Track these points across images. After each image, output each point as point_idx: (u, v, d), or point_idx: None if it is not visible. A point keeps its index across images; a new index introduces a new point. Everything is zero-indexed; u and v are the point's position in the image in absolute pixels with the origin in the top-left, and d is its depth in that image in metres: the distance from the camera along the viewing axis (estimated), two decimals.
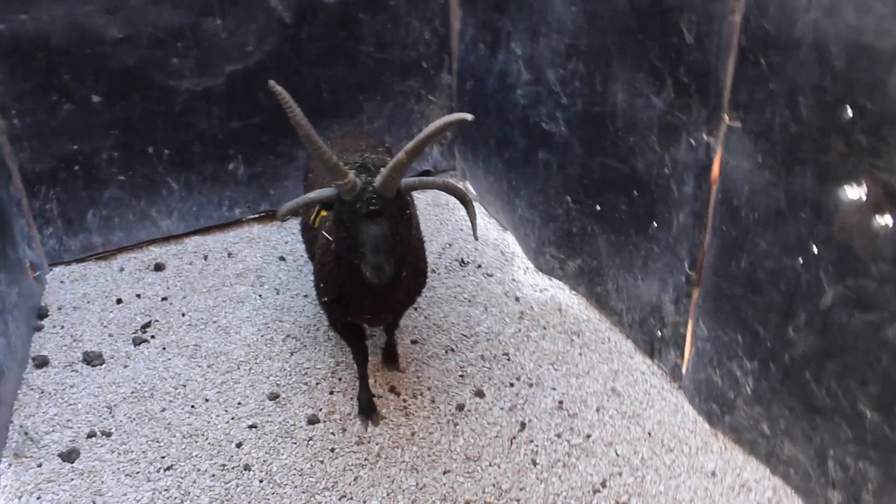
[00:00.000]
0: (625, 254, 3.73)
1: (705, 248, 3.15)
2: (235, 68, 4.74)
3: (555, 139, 4.01)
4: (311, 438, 3.46)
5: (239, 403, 3.68)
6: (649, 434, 3.39)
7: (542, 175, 4.20)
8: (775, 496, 3.03)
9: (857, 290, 2.41)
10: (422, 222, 5.14)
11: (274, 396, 3.70)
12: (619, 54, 3.40)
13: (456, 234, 5.08)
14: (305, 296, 4.47)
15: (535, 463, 3.28)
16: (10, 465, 3.30)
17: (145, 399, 3.72)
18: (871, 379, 2.44)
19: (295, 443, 3.44)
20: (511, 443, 3.38)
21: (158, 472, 3.29)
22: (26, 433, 3.48)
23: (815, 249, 2.54)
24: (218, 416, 3.60)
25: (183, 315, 4.33)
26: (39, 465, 3.30)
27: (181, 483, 3.24)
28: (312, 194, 2.78)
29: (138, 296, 4.52)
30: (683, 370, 3.50)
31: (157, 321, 4.29)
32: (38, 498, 3.17)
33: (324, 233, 3.09)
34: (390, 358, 3.90)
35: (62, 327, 4.24)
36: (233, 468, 3.30)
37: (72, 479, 3.23)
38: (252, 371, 3.89)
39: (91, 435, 3.49)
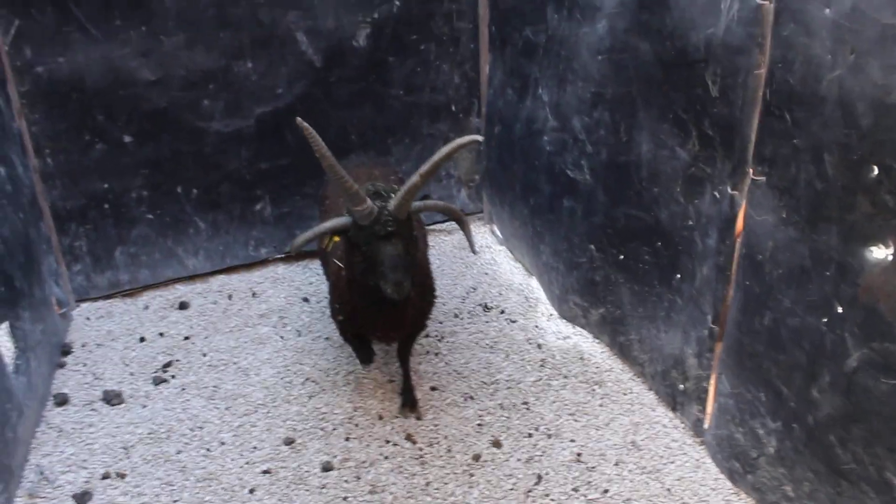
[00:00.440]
0: (648, 304, 3.67)
1: (728, 303, 3.08)
2: (265, 110, 4.82)
3: (579, 187, 3.99)
4: (324, 486, 3.42)
5: (254, 448, 3.66)
6: (669, 491, 3.29)
7: (567, 222, 4.17)
8: None
9: (884, 353, 2.33)
10: (446, 265, 5.18)
11: (290, 441, 3.68)
12: (644, 104, 3.38)
13: (480, 277, 5.06)
14: (327, 338, 4.47)
15: None
16: None
17: (162, 441, 3.71)
18: None
19: (308, 490, 3.40)
20: (527, 496, 3.31)
21: None
22: (42, 473, 3.49)
23: (839, 309, 2.47)
24: (233, 460, 3.59)
25: (204, 355, 4.35)
26: None
27: None
28: (328, 224, 2.97)
29: (161, 334, 4.55)
30: (706, 425, 3.41)
31: (178, 360, 4.31)
32: None
33: (335, 260, 3.31)
34: (409, 402, 3.87)
35: (84, 365, 4.28)
36: None
37: None
38: (269, 414, 3.87)
39: (106, 476, 3.49)
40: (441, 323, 4.58)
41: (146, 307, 4.85)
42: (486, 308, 4.71)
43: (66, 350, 4.40)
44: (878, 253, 2.31)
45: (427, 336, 4.45)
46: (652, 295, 3.62)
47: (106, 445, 3.69)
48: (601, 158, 3.76)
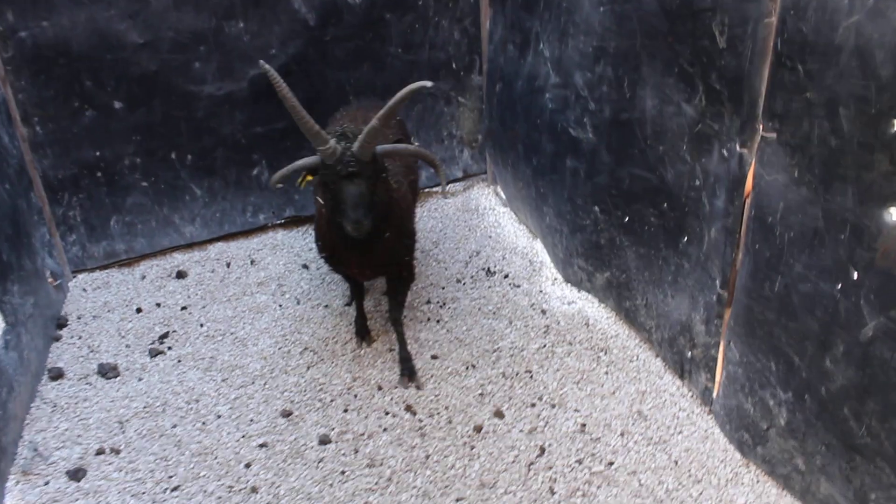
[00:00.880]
0: (654, 268, 3.52)
1: (738, 267, 2.92)
2: (258, 72, 4.64)
3: (582, 146, 3.81)
4: (321, 460, 3.33)
5: (251, 420, 3.58)
6: (676, 463, 3.18)
7: (570, 183, 4.00)
8: None
9: None
10: (449, 229, 5.03)
11: (287, 413, 3.59)
12: (648, 58, 3.19)
13: (484, 241, 4.91)
14: (326, 306, 4.36)
15: (552, 491, 3.09)
16: (17, 482, 3.24)
17: (157, 414, 3.64)
18: None
19: (305, 464, 3.31)
20: (529, 469, 3.21)
21: (164, 492, 3.19)
22: (36, 449, 3.43)
23: (854, 276, 2.31)
24: (229, 433, 3.51)
25: (201, 326, 4.26)
26: (46, 484, 3.23)
27: None
28: (300, 161, 3.10)
29: (158, 305, 4.46)
30: (714, 394, 3.27)
31: (174, 331, 4.22)
32: None
33: (316, 197, 3.43)
34: (408, 372, 3.78)
35: (80, 337, 4.20)
36: (240, 490, 3.19)
37: (77, 500, 3.15)
38: (267, 386, 3.78)
39: (100, 452, 3.42)
40: (443, 288, 4.46)
41: (143, 277, 4.75)
42: (490, 272, 4.58)
43: (61, 323, 4.31)
44: None
45: (428, 302, 4.33)
46: (658, 258, 3.46)
47: (100, 420, 3.62)
48: (604, 116, 3.58)
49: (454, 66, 5.16)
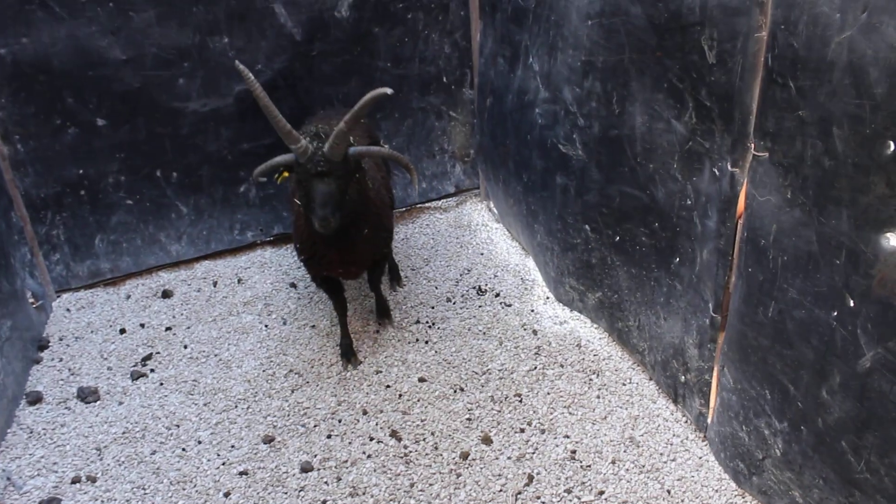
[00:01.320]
0: (646, 289, 3.41)
1: (731, 291, 2.81)
2: (244, 88, 4.55)
3: (572, 163, 3.71)
4: (302, 488, 3.22)
5: (232, 446, 3.47)
6: (669, 492, 3.06)
7: (560, 200, 3.89)
8: None
9: None
10: (441, 245, 4.93)
11: (269, 440, 3.49)
12: (637, 73, 3.09)
13: (476, 258, 4.81)
14: (313, 326, 4.26)
15: None
16: None
17: (136, 440, 3.54)
18: None
19: (286, 493, 3.20)
20: (516, 498, 3.09)
21: None
22: (9, 478, 3.32)
23: (851, 303, 2.20)
24: (209, 460, 3.40)
25: (185, 347, 4.16)
26: None
27: None
28: (278, 158, 3.21)
29: (142, 325, 4.36)
30: (709, 420, 3.16)
31: (158, 353, 4.12)
32: None
33: (295, 199, 3.51)
34: (383, 313, 4.22)
35: (61, 360, 4.10)
36: None
37: None
38: (250, 410, 3.68)
39: (76, 480, 3.32)
40: (433, 308, 4.35)
41: (128, 296, 4.65)
42: (481, 291, 4.47)
43: (42, 345, 4.22)
44: (895, 240, 2.03)
45: (417, 322, 4.23)
46: (650, 279, 3.35)
47: (78, 447, 3.51)
48: (593, 132, 3.48)
49: (445, 80, 5.06)
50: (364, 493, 3.17)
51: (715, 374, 3.03)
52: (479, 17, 4.74)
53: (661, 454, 3.24)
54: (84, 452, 3.48)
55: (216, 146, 4.68)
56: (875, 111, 2.01)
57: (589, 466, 3.22)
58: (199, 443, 3.51)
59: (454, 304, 4.38)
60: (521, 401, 3.61)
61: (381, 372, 3.88)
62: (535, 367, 3.82)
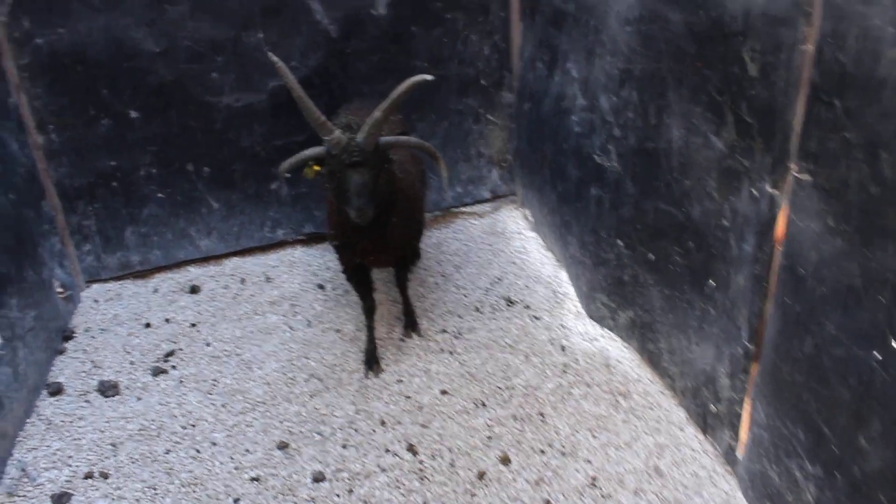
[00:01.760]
0: (678, 311, 3.23)
1: (766, 320, 2.63)
2: (278, 84, 4.48)
3: (607, 174, 3.55)
4: (313, 499, 3.14)
5: (246, 450, 3.41)
6: None
7: (594, 213, 3.73)
8: None
9: None
10: (473, 252, 4.81)
11: (283, 446, 3.42)
12: (675, 83, 2.91)
13: (507, 267, 4.67)
14: (338, 330, 4.18)
15: None
16: None
17: (151, 438, 3.50)
18: None
19: (296, 502, 3.13)
20: None
21: None
22: (24, 469, 3.32)
23: (894, 344, 2.01)
24: (222, 463, 3.35)
25: (208, 345, 4.12)
26: None
27: None
28: (307, 151, 3.17)
29: (168, 320, 4.34)
30: (738, 454, 2.97)
31: (181, 350, 4.09)
32: None
33: (327, 186, 3.49)
34: (410, 324, 4.13)
35: (85, 351, 4.10)
36: None
37: None
38: (267, 414, 3.61)
39: (89, 475, 3.30)
40: (460, 317, 4.23)
41: (156, 290, 4.64)
42: (510, 302, 4.33)
43: (68, 335, 4.22)
44: None
45: (444, 332, 4.11)
46: (683, 301, 3.18)
47: (94, 441, 3.50)
48: (629, 143, 3.31)
49: (483, 82, 4.92)
50: None
51: (747, 406, 2.84)
52: (520, 19, 4.59)
53: (687, 487, 3.06)
54: (99, 448, 3.46)
55: (249, 142, 4.63)
56: None
57: (609, 496, 3.06)
58: (214, 444, 3.45)
59: (482, 314, 4.25)
60: (543, 420, 3.47)
61: (402, 381, 3.78)
62: (561, 386, 3.67)
